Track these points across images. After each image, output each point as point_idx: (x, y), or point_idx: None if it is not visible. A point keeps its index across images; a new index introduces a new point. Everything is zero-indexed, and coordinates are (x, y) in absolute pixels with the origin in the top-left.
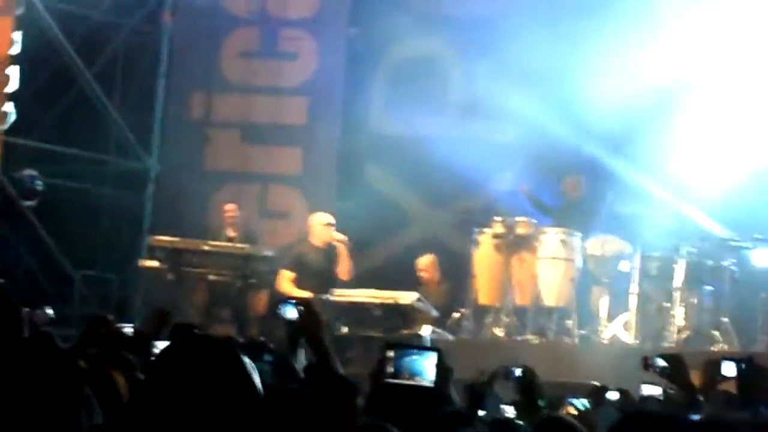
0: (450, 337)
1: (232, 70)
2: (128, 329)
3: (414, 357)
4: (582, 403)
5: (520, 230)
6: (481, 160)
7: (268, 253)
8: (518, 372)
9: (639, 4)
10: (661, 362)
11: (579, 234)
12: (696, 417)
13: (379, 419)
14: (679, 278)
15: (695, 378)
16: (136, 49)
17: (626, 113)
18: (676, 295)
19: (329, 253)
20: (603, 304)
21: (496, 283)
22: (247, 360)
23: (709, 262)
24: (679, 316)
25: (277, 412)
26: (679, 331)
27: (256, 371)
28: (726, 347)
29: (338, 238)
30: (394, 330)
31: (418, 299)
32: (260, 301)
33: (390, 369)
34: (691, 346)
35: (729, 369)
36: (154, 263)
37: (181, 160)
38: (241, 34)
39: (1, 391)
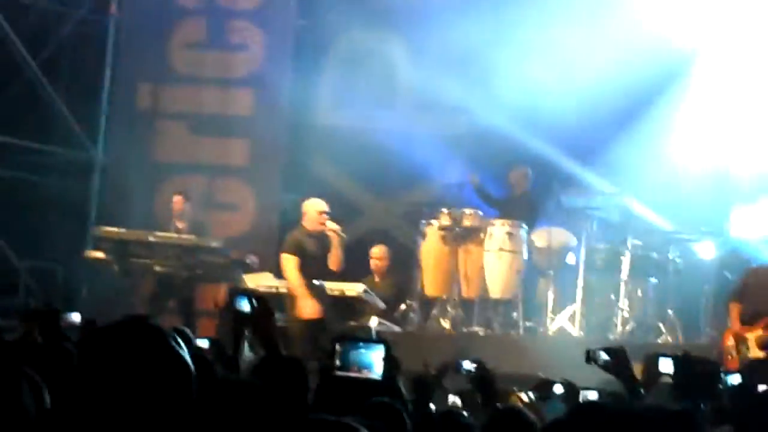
0: (397, 328)
1: (180, 60)
2: (75, 319)
3: (361, 350)
4: (528, 395)
5: (467, 222)
6: (429, 153)
7: (216, 244)
8: (470, 366)
9: None
10: (605, 356)
11: (525, 226)
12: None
13: (327, 412)
14: (624, 270)
15: (638, 371)
16: (83, 39)
17: (575, 107)
18: (622, 287)
19: (322, 240)
20: (549, 296)
21: (442, 275)
22: (179, 344)
23: (655, 255)
24: (624, 308)
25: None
26: (625, 323)
27: (188, 356)
28: (671, 340)
29: (331, 227)
30: (341, 321)
31: (365, 291)
32: (219, 292)
33: (338, 362)
34: (636, 339)
35: (666, 365)
36: (100, 254)
37: (128, 151)
38: (188, 25)
39: None
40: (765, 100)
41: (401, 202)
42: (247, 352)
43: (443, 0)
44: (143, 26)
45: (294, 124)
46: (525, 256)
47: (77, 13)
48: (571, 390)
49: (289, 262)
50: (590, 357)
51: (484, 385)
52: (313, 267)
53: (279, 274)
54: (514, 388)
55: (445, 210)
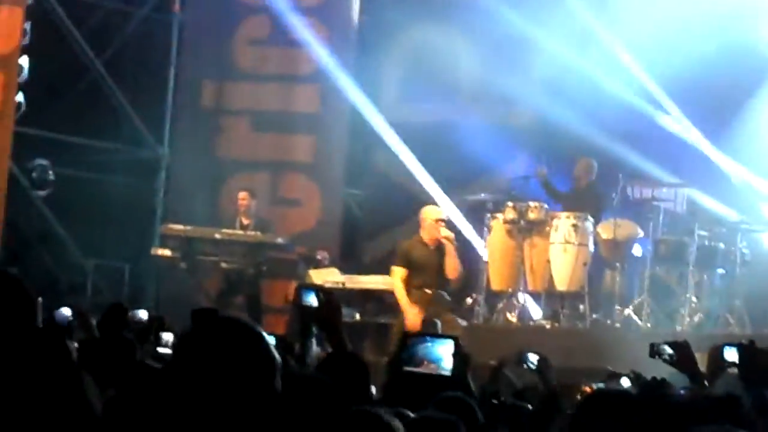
0: (463, 322)
1: (244, 57)
2: (142, 316)
3: (431, 345)
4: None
5: (532, 215)
6: (493, 146)
7: (281, 240)
8: (534, 359)
9: None
10: (668, 350)
11: (591, 218)
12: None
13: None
14: (691, 261)
15: (703, 362)
16: (147, 38)
17: (637, 101)
18: (689, 278)
19: (438, 249)
20: (616, 288)
21: (508, 269)
22: (270, 342)
23: (722, 245)
24: (692, 299)
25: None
26: (692, 314)
27: (278, 354)
28: (738, 330)
29: (445, 234)
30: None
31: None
32: (290, 289)
33: (407, 357)
34: (703, 330)
35: (731, 354)
36: (167, 252)
37: (192, 148)
38: (251, 22)
39: (10, 377)
40: None
41: (466, 196)
42: (315, 347)
43: None
44: (206, 24)
45: (358, 120)
46: (591, 248)
47: (141, 11)
48: (639, 382)
49: (395, 274)
50: (654, 351)
51: (545, 379)
52: (423, 276)
53: (345, 269)
54: (583, 382)
55: (510, 203)
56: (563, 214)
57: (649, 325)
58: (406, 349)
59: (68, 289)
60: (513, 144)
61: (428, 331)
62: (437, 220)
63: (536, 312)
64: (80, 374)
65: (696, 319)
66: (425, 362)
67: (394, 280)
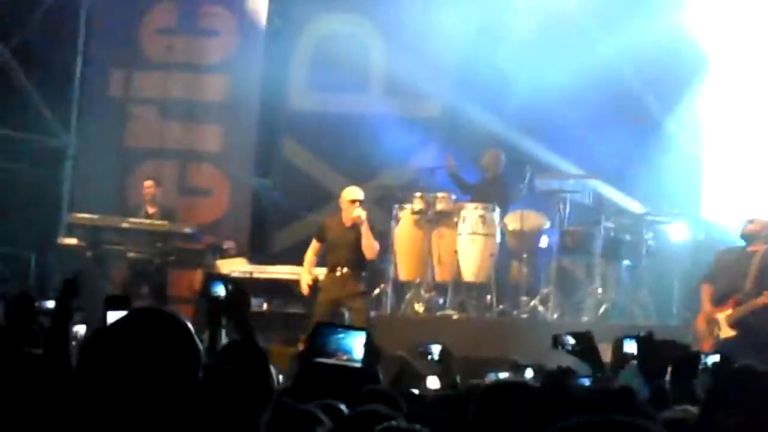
0: (372, 312)
1: (151, 46)
2: (50, 305)
3: (343, 336)
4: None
5: (440, 206)
6: (402, 136)
7: (188, 230)
8: (436, 350)
9: None
10: (571, 340)
11: (498, 209)
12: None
13: (305, 398)
14: (597, 253)
15: (609, 353)
16: (54, 26)
17: (547, 95)
18: (595, 269)
19: (354, 229)
20: (522, 279)
21: (416, 259)
22: (191, 329)
23: (628, 237)
24: (598, 290)
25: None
26: (598, 305)
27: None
28: (644, 321)
29: (357, 215)
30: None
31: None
32: (196, 277)
33: (319, 347)
34: (609, 320)
35: (630, 346)
36: (73, 241)
37: (99, 137)
38: (159, 11)
39: None
40: (737, 84)
41: (374, 186)
42: (224, 338)
43: None
44: (114, 12)
45: (266, 109)
46: (498, 239)
47: None
48: (542, 374)
49: (310, 246)
50: (557, 342)
51: (447, 369)
52: (338, 255)
53: (254, 259)
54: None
55: (418, 194)
56: (471, 205)
57: (555, 315)
58: (318, 339)
59: None
60: (421, 135)
61: (336, 321)
62: (351, 201)
63: (443, 302)
64: None
65: (602, 309)
66: (337, 353)
67: (307, 252)
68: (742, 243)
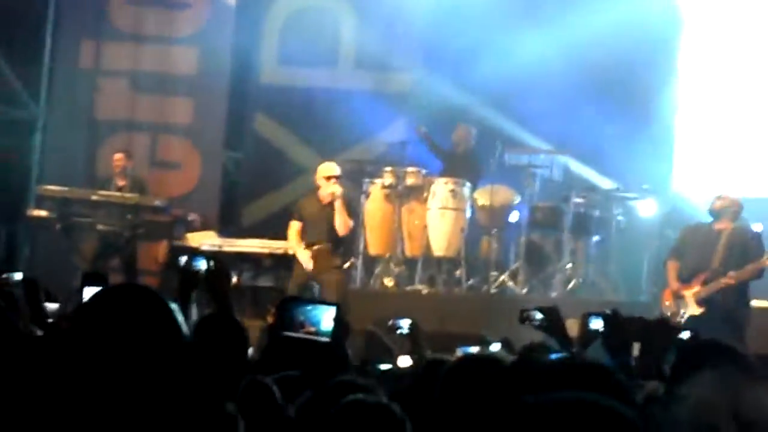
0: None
1: (122, 18)
2: (17, 278)
3: (311, 310)
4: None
5: (410, 180)
6: (372, 111)
7: (158, 202)
8: (406, 324)
9: None
10: (538, 315)
11: (468, 184)
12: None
13: (272, 372)
14: (566, 228)
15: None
16: None
17: (517, 69)
18: (565, 245)
19: (330, 205)
20: (492, 254)
21: (386, 234)
22: (173, 306)
23: (597, 213)
24: (567, 266)
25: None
26: (567, 281)
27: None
28: (613, 296)
29: (330, 191)
30: (284, 280)
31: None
32: (160, 250)
33: (287, 321)
34: (578, 296)
35: (597, 323)
36: (43, 213)
37: (69, 108)
38: None
39: None
40: (710, 58)
41: (344, 161)
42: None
43: None
44: None
45: (237, 82)
46: (468, 214)
47: None
48: (509, 347)
49: (290, 227)
50: (524, 317)
51: (417, 344)
52: (315, 231)
53: (224, 232)
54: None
55: (388, 168)
56: (441, 180)
57: (524, 291)
58: (286, 313)
59: None
60: (391, 109)
61: (306, 295)
62: (327, 177)
63: (414, 277)
64: None
65: (571, 285)
66: (305, 327)
67: (288, 232)
68: (710, 219)
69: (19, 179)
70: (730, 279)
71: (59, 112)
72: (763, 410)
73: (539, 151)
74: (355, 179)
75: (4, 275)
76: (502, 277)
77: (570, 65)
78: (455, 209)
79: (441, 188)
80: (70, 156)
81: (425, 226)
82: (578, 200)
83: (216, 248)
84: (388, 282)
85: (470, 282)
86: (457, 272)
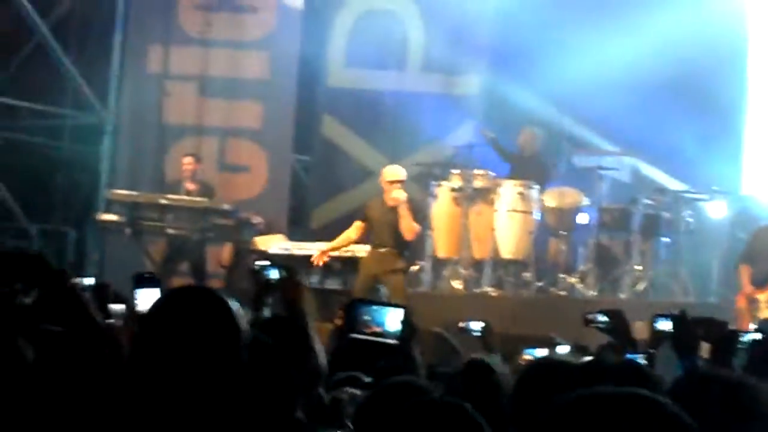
0: (408, 289)
1: (190, 22)
2: (87, 282)
3: (379, 312)
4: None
5: (478, 183)
6: (440, 113)
7: (226, 206)
8: (478, 326)
9: None
10: (603, 318)
11: (536, 186)
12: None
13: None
14: (635, 230)
15: (646, 332)
16: (93, 2)
17: (584, 71)
18: (634, 247)
19: (394, 210)
20: (561, 256)
21: (454, 236)
22: (235, 307)
23: (666, 214)
24: (636, 267)
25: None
26: (636, 282)
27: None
28: (682, 298)
29: (394, 197)
30: (352, 283)
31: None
32: (224, 252)
33: (355, 323)
34: (648, 298)
35: (664, 324)
36: (112, 217)
37: (138, 113)
38: None
39: None
40: None
41: (412, 164)
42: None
43: None
44: None
45: (305, 86)
46: (536, 216)
47: None
48: (583, 351)
49: (352, 225)
50: (588, 320)
51: (488, 346)
52: (380, 235)
53: (293, 235)
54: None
55: (455, 171)
56: (509, 182)
57: (593, 293)
58: (353, 315)
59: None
60: (459, 112)
61: (373, 298)
62: (391, 182)
63: (482, 280)
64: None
65: (640, 287)
66: (371, 327)
67: (348, 230)
68: None
69: (88, 184)
70: None
71: (128, 117)
72: None
73: (607, 153)
74: (422, 182)
75: (75, 280)
76: (571, 280)
77: (638, 67)
78: (523, 212)
79: (509, 191)
80: (139, 160)
81: (493, 229)
82: (647, 202)
83: (285, 251)
84: (457, 284)
85: (539, 284)
86: (526, 275)
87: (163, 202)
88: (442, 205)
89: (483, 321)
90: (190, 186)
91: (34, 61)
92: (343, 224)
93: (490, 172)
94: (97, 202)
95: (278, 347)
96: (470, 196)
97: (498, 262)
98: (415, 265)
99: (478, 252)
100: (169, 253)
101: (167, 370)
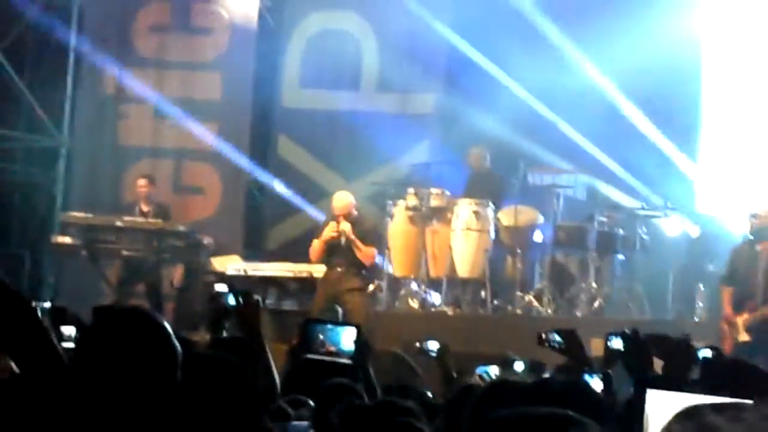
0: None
1: (145, 45)
2: (45, 306)
3: (332, 332)
4: (489, 372)
5: (434, 202)
6: (395, 133)
7: (181, 228)
8: (434, 346)
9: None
10: (557, 337)
11: (492, 205)
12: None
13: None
14: (591, 247)
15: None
16: (47, 25)
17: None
18: (589, 264)
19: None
20: (516, 274)
21: (410, 255)
22: (167, 326)
23: (621, 232)
24: (592, 285)
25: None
26: (592, 300)
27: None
28: (638, 315)
29: (341, 229)
30: (309, 303)
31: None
32: (176, 273)
33: (309, 344)
34: (603, 315)
35: (617, 343)
36: (68, 240)
37: (93, 135)
38: (152, 9)
39: None
40: (732, 76)
41: (367, 183)
42: None
43: None
44: (107, 10)
45: (259, 107)
46: (492, 234)
47: None
48: (534, 367)
49: (311, 245)
50: (543, 339)
51: (445, 366)
52: (336, 256)
53: (247, 256)
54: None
55: (411, 190)
56: (464, 201)
57: (549, 311)
58: (308, 335)
59: None
60: (414, 132)
61: (328, 318)
62: (337, 216)
63: (438, 298)
64: None
65: (596, 304)
66: (326, 347)
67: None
68: (750, 238)
69: (43, 207)
70: (766, 310)
71: (83, 140)
72: None
73: (562, 171)
74: (378, 201)
75: (32, 304)
76: (527, 298)
77: (594, 87)
78: (479, 230)
79: (465, 209)
80: (95, 183)
81: (449, 247)
82: (602, 219)
83: (240, 272)
84: (413, 303)
85: (495, 303)
86: (482, 293)
87: (119, 224)
88: (398, 224)
89: (439, 341)
90: (145, 207)
91: None
92: (300, 245)
93: (446, 191)
94: (52, 224)
95: (241, 365)
96: (426, 215)
97: (454, 281)
98: (372, 284)
99: (435, 271)
100: (124, 276)
101: (102, 391)
